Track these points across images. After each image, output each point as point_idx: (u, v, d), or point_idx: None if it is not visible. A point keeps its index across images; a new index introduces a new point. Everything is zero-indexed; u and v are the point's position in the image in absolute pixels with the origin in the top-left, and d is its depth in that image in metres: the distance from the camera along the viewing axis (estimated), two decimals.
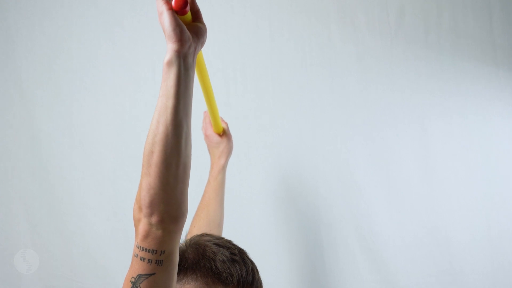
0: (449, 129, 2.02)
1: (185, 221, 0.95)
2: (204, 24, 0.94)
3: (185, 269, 1.20)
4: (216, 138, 1.72)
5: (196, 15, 0.95)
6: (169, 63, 0.88)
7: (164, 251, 0.94)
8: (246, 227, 1.96)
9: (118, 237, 2.00)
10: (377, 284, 1.88)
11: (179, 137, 0.90)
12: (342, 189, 1.98)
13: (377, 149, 1.99)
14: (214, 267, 1.19)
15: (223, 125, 1.72)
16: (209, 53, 1.99)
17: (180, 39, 0.87)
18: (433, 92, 2.04)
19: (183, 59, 0.89)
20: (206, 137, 1.73)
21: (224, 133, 1.72)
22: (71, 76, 1.99)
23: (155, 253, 0.93)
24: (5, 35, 2.00)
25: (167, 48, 0.89)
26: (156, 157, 0.90)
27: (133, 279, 0.96)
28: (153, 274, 0.94)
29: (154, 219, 0.91)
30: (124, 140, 2.03)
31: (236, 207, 1.91)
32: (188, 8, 0.89)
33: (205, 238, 1.26)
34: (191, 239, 1.26)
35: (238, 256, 1.23)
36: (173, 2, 0.87)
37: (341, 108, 2.02)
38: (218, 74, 2.00)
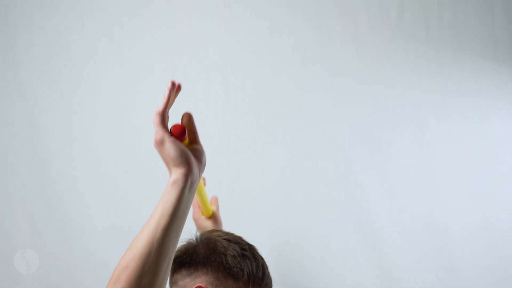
0: (449, 126, 2.10)
1: None
2: (201, 145, 0.96)
3: (196, 263, 1.29)
4: (204, 221, 1.73)
5: (193, 136, 0.96)
6: (174, 184, 0.89)
7: None
8: (246, 225, 2.04)
9: (118, 234, 2.07)
10: (377, 279, 1.97)
11: (162, 259, 0.87)
12: (341, 186, 2.06)
13: (377, 147, 2.08)
14: (225, 262, 1.28)
15: (213, 208, 1.73)
16: (209, 50, 2.08)
17: (188, 163, 0.90)
18: (433, 90, 2.11)
19: (191, 183, 0.90)
20: (194, 220, 1.73)
21: (213, 216, 1.73)
22: (71, 72, 2.05)
23: None
24: (4, 30, 2.05)
25: (171, 171, 0.90)
26: (129, 273, 0.85)
27: None
28: None
29: None
30: (123, 137, 2.09)
31: (235, 204, 1.99)
32: (186, 134, 0.92)
33: (215, 233, 1.35)
34: (202, 235, 1.35)
35: (248, 252, 1.32)
36: (172, 130, 0.91)
37: (340, 106, 2.09)
38: (217, 71, 2.07)
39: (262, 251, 1.38)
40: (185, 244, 1.34)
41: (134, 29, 2.08)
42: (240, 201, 2.03)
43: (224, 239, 1.32)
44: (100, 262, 2.09)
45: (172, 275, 1.32)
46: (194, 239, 1.34)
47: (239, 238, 1.36)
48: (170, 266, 0.90)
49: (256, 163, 2.07)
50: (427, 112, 2.10)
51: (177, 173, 0.90)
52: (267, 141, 2.08)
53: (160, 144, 0.90)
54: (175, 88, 0.93)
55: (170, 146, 0.89)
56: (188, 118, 0.96)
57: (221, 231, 1.37)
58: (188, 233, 1.33)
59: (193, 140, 0.96)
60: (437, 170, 2.05)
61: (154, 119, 0.90)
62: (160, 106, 0.91)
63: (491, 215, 2.01)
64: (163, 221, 0.87)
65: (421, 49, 2.13)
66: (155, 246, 0.86)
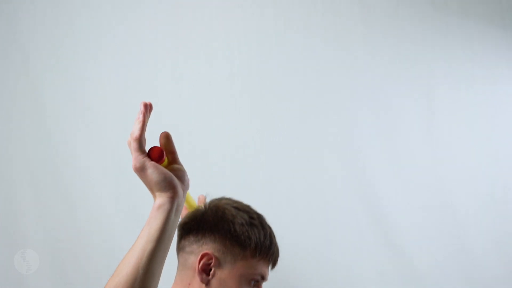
0: (455, 93, 2.10)
1: None
2: (181, 165, 0.93)
3: (203, 230, 1.30)
4: None
5: (173, 156, 0.94)
6: (160, 208, 0.87)
7: None
8: (249, 192, 2.06)
9: (123, 201, 2.10)
10: (382, 247, 1.98)
11: (148, 284, 0.86)
12: (347, 155, 2.07)
13: (382, 113, 2.08)
14: (233, 229, 1.29)
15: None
16: (212, 13, 2.06)
17: (173, 186, 0.88)
18: (440, 56, 2.10)
19: (177, 205, 0.89)
20: None
21: None
22: (75, 42, 2.04)
23: None
24: (12, 16, 2.03)
25: (155, 195, 0.88)
26: None
27: None
28: None
29: None
30: (127, 104, 2.10)
31: (239, 167, 2.02)
32: (164, 156, 0.89)
33: (224, 201, 1.35)
34: (210, 202, 1.35)
35: (257, 221, 1.33)
36: (149, 153, 0.88)
37: (345, 72, 2.09)
38: (220, 37, 2.06)
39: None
40: (193, 211, 1.35)
41: (141, 22, 2.08)
42: (243, 162, 2.05)
43: (233, 207, 1.33)
44: (104, 228, 2.11)
45: (179, 241, 1.33)
46: (203, 206, 1.35)
47: (248, 206, 1.36)
48: None
49: (258, 127, 2.08)
50: (433, 78, 2.09)
51: (163, 197, 0.88)
52: (270, 105, 2.08)
53: (140, 170, 0.87)
54: (148, 109, 0.90)
55: (152, 172, 0.87)
56: (166, 138, 0.94)
57: (229, 199, 1.37)
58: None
59: (173, 161, 0.93)
60: (443, 137, 2.05)
61: (132, 145, 0.87)
62: (135, 131, 0.87)
63: (498, 182, 2.01)
64: (149, 246, 0.86)
65: (427, 14, 2.11)
66: (141, 272, 0.85)
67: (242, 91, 2.01)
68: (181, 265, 1.34)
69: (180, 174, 0.91)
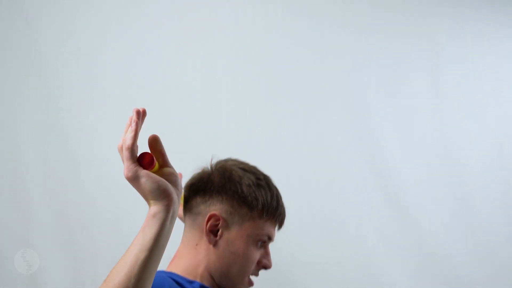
0: (462, 52, 2.08)
1: None
2: (172, 167, 0.92)
3: (210, 191, 1.30)
4: None
5: (163, 159, 0.91)
6: (155, 216, 0.86)
7: None
8: (254, 153, 2.06)
9: None
10: (388, 208, 1.99)
11: None
12: (353, 116, 2.07)
13: (389, 71, 2.07)
14: (240, 190, 1.29)
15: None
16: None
17: (168, 194, 0.86)
18: (447, 13, 2.08)
19: (173, 213, 0.87)
20: (179, 217, 1.65)
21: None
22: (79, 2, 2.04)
23: None
24: None
25: (150, 203, 0.87)
26: None
27: None
28: None
29: None
30: (131, 64, 2.09)
31: (245, 127, 2.03)
32: (155, 161, 0.88)
33: (230, 162, 1.35)
34: (217, 163, 1.35)
35: (263, 182, 1.33)
36: (140, 161, 0.86)
37: (351, 31, 2.07)
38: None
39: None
40: (199, 172, 1.35)
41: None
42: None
43: (240, 168, 1.33)
44: (110, 190, 2.13)
45: (186, 202, 1.34)
46: (209, 167, 1.35)
47: (254, 167, 1.36)
48: None
49: (267, 83, 2.08)
50: (440, 36, 2.08)
51: (158, 205, 0.86)
52: (276, 62, 2.07)
53: (133, 179, 0.85)
54: (141, 116, 0.89)
55: (146, 181, 0.85)
56: (154, 141, 0.91)
57: (236, 160, 1.37)
58: (203, 160, 1.34)
59: (163, 163, 0.91)
60: (449, 98, 2.04)
61: (124, 153, 0.85)
62: (128, 140, 0.85)
63: (503, 145, 2.01)
64: (142, 256, 0.84)
65: None
66: (133, 281, 0.84)
67: (248, 52, 1.99)
68: (188, 226, 1.34)
69: (173, 178, 0.89)
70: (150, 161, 0.86)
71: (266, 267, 1.38)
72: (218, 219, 1.30)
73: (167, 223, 0.86)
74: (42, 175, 2.16)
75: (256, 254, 1.34)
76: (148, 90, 2.10)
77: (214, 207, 1.31)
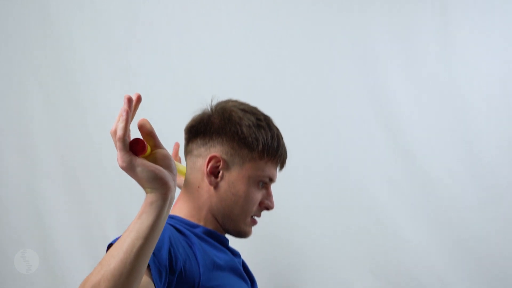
0: None
1: None
2: (164, 148, 0.90)
3: (211, 133, 1.30)
4: None
5: (154, 142, 0.89)
6: (152, 204, 0.86)
7: None
8: (256, 97, 2.05)
9: None
10: (393, 153, 1.99)
11: (133, 280, 0.84)
12: (359, 60, 2.04)
13: (395, 16, 2.03)
14: (240, 131, 1.28)
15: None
16: None
17: (165, 182, 0.86)
18: None
19: (170, 199, 0.87)
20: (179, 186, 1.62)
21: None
22: None
23: None
24: None
25: (146, 190, 0.86)
26: None
27: None
28: None
29: None
30: (135, 11, 2.08)
31: (247, 70, 2.03)
32: (146, 147, 0.86)
33: (230, 103, 1.33)
34: (217, 105, 1.34)
35: (264, 122, 1.32)
36: (135, 151, 0.84)
37: None
38: None
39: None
40: (199, 114, 1.34)
41: None
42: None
43: (240, 109, 1.31)
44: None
45: (187, 145, 1.34)
46: (209, 109, 1.34)
47: (254, 108, 1.35)
48: (138, 285, 0.87)
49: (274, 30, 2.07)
50: None
51: (155, 193, 0.86)
52: (281, 13, 2.06)
53: (128, 169, 0.85)
54: (135, 102, 0.86)
55: (141, 170, 0.85)
56: (144, 125, 0.89)
57: (236, 101, 1.36)
58: (203, 102, 1.33)
59: (155, 145, 0.90)
60: (458, 38, 2.00)
61: (117, 144, 0.84)
62: (119, 130, 0.83)
63: (509, 86, 1.96)
64: (138, 243, 0.84)
65: None
66: (128, 268, 0.83)
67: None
68: (190, 169, 1.34)
69: (167, 163, 0.88)
70: (141, 147, 0.85)
71: (268, 207, 1.38)
72: (219, 161, 1.29)
73: (165, 211, 0.86)
74: (47, 121, 2.17)
75: (258, 195, 1.34)
76: (152, 32, 2.09)
77: (215, 149, 1.30)
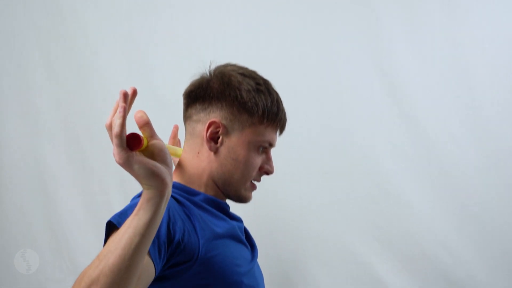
0: None
1: None
2: (159, 138, 0.89)
3: (210, 98, 1.28)
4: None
5: (150, 132, 0.88)
6: (150, 201, 0.86)
7: None
8: (258, 61, 2.03)
9: (134, 71, 2.10)
10: (396, 118, 1.97)
11: (131, 275, 0.85)
12: (362, 22, 2.02)
13: None
14: (239, 96, 1.27)
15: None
16: None
17: (162, 179, 0.85)
18: None
19: (167, 195, 0.87)
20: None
21: None
22: None
23: None
24: None
25: (144, 187, 0.86)
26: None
27: None
28: None
29: None
30: None
31: (248, 35, 2.00)
32: (143, 141, 0.85)
33: (229, 67, 1.31)
34: (215, 69, 1.33)
35: (263, 86, 1.30)
36: (132, 146, 0.83)
37: None
38: None
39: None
40: (198, 78, 1.32)
41: None
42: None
43: (239, 73, 1.30)
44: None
45: (186, 110, 1.33)
46: (208, 73, 1.32)
47: (253, 72, 1.33)
48: (136, 281, 0.88)
49: None
50: None
51: (152, 190, 0.86)
52: None
53: (125, 165, 0.84)
54: (130, 96, 0.85)
55: (139, 168, 0.84)
56: (141, 117, 0.87)
57: (235, 65, 1.34)
58: (202, 66, 1.32)
59: (151, 136, 0.88)
60: (461, 2, 1.96)
61: (113, 140, 0.82)
62: (116, 127, 0.82)
63: None
64: (136, 239, 0.85)
65: None
66: (126, 263, 0.84)
67: None
68: (189, 134, 1.33)
69: (163, 157, 0.88)
70: (138, 142, 0.84)
71: (268, 172, 1.38)
72: (218, 126, 1.28)
73: (161, 207, 0.87)
74: (48, 86, 2.17)
75: (258, 160, 1.33)
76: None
77: (214, 114, 1.29)
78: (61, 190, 2.14)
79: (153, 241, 1.02)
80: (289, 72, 2.03)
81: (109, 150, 2.09)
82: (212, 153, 1.30)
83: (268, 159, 1.37)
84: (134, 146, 0.84)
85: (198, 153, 1.31)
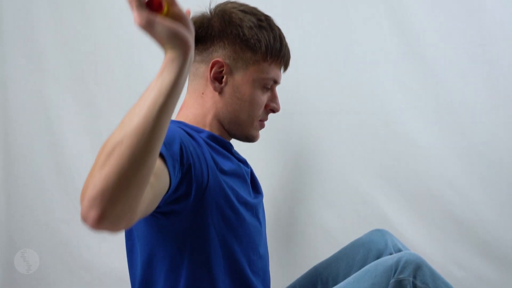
0: None
1: (131, 222, 0.87)
2: (181, 9, 0.87)
3: (211, 37, 1.27)
4: None
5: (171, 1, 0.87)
6: (173, 61, 0.84)
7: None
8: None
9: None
10: (404, 56, 1.93)
11: (156, 138, 0.84)
12: None
13: None
14: (241, 33, 1.25)
15: None
16: None
17: (185, 40, 0.83)
18: None
19: (190, 58, 0.85)
20: None
21: None
22: None
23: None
24: None
25: (166, 49, 0.85)
26: (123, 150, 0.81)
27: None
28: None
29: (92, 214, 0.81)
30: None
31: None
32: (164, 5, 0.84)
33: (230, 5, 1.29)
34: (216, 7, 1.30)
35: (265, 23, 1.28)
36: (152, 8, 0.82)
37: None
38: None
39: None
40: (199, 17, 1.30)
41: None
42: None
43: (239, 10, 1.28)
44: (122, 39, 2.13)
45: None
46: (208, 12, 1.30)
47: (255, 9, 1.31)
48: (160, 148, 0.86)
49: None
50: None
51: (176, 51, 0.84)
52: None
53: (146, 27, 0.81)
54: None
55: (161, 29, 0.82)
56: None
57: (236, 2, 1.32)
58: (202, 5, 1.29)
59: (172, 3, 0.86)
60: None
61: (132, 4, 0.80)
62: None
63: None
64: (161, 100, 0.83)
65: None
66: (150, 124, 0.82)
67: None
68: (192, 75, 1.32)
69: (185, 22, 0.85)
70: (157, 5, 0.83)
71: (274, 110, 1.37)
72: (222, 66, 1.27)
73: (185, 68, 0.85)
74: (53, 24, 2.15)
75: (263, 98, 1.32)
76: None
77: (217, 54, 1.28)
78: (67, 130, 2.14)
79: (168, 153, 1.01)
80: (295, 12, 2.00)
81: (116, 90, 2.10)
82: (216, 93, 1.29)
83: (273, 97, 1.36)
84: (155, 9, 0.83)
85: (203, 93, 1.31)
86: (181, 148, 1.06)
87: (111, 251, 2.10)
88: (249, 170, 1.42)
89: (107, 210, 0.80)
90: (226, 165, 1.28)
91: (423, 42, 1.91)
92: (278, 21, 1.34)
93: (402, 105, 1.94)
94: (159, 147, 0.85)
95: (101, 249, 2.11)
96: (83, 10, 2.14)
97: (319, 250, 1.99)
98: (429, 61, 1.90)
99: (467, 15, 1.86)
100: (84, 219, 0.81)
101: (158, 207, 1.02)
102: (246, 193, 1.32)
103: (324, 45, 2.00)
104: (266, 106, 1.35)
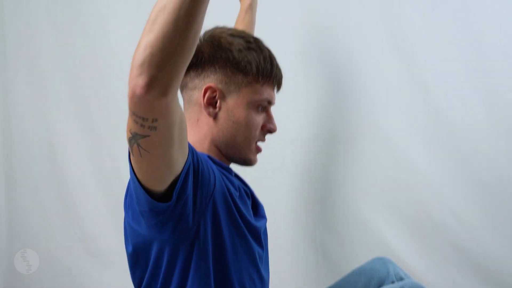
0: None
1: (175, 94, 0.91)
2: None
3: (202, 63, 1.27)
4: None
5: None
6: None
7: (156, 119, 0.91)
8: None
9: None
10: (406, 84, 1.93)
11: (197, 10, 0.85)
12: None
13: None
14: (231, 57, 1.26)
15: None
16: None
17: None
18: None
19: None
20: None
21: None
22: None
23: (146, 120, 0.91)
24: None
25: None
26: (166, 15, 0.84)
27: (130, 134, 0.96)
28: (148, 136, 0.94)
29: (141, 80, 0.85)
30: None
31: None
32: None
33: (218, 30, 1.31)
34: (204, 33, 1.32)
35: (254, 44, 1.29)
36: None
37: None
38: None
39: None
40: None
41: None
42: None
43: (228, 34, 1.29)
44: (125, 65, 2.11)
45: None
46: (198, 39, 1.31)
47: (243, 32, 1.33)
48: (202, 14, 0.88)
49: None
50: None
51: None
52: None
53: None
54: None
55: None
56: None
57: (224, 27, 1.33)
58: None
59: None
60: None
61: None
62: None
63: None
64: None
65: None
66: (183, 12, 0.85)
67: None
68: (187, 103, 1.33)
69: None
70: None
71: (271, 130, 1.37)
72: (215, 91, 1.28)
73: None
74: (57, 51, 2.17)
75: (258, 119, 1.32)
76: None
77: (209, 79, 1.28)
78: (69, 156, 2.15)
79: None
80: (296, 35, 2.01)
81: (118, 117, 2.12)
82: (211, 119, 1.30)
83: (269, 117, 1.36)
84: None
85: (198, 120, 1.31)
86: (192, 153, 1.09)
87: (112, 280, 2.09)
88: (249, 190, 1.42)
89: (154, 75, 0.85)
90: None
91: (424, 68, 1.91)
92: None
93: (403, 132, 1.94)
94: (200, 12, 0.87)
95: (102, 278, 2.11)
96: (87, 36, 2.17)
97: (321, 277, 1.97)
98: (430, 88, 1.90)
99: (468, 42, 1.85)
100: (133, 89, 0.87)
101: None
102: (249, 215, 1.32)
103: (326, 72, 2.01)
104: (263, 127, 1.35)
